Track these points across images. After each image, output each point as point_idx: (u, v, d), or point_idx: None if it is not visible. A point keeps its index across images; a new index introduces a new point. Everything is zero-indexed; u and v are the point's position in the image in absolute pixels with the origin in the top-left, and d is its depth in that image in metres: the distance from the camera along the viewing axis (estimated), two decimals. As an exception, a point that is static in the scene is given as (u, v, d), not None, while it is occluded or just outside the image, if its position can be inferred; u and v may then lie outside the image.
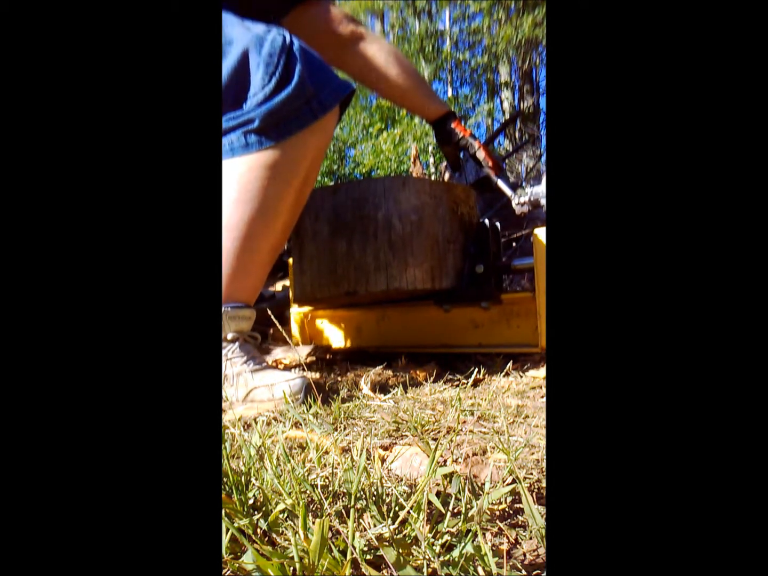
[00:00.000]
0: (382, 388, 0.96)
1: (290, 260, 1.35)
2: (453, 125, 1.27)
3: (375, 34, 1.19)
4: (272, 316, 0.64)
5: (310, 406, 0.77)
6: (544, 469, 0.49)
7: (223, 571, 0.33)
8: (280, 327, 0.63)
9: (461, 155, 1.31)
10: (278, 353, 1.42)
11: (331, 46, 1.14)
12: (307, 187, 0.94)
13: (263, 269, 0.93)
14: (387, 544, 0.34)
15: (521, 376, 1.04)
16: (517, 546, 0.37)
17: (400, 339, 1.41)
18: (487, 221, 1.21)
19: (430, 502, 0.38)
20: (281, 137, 0.85)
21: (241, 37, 0.82)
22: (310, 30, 1.11)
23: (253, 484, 0.43)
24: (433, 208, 1.16)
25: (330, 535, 0.36)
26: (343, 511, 0.39)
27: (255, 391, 0.85)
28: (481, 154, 1.26)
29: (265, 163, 0.85)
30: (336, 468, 0.47)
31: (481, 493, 0.43)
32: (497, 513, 0.42)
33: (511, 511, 0.42)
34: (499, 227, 1.23)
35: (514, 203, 1.31)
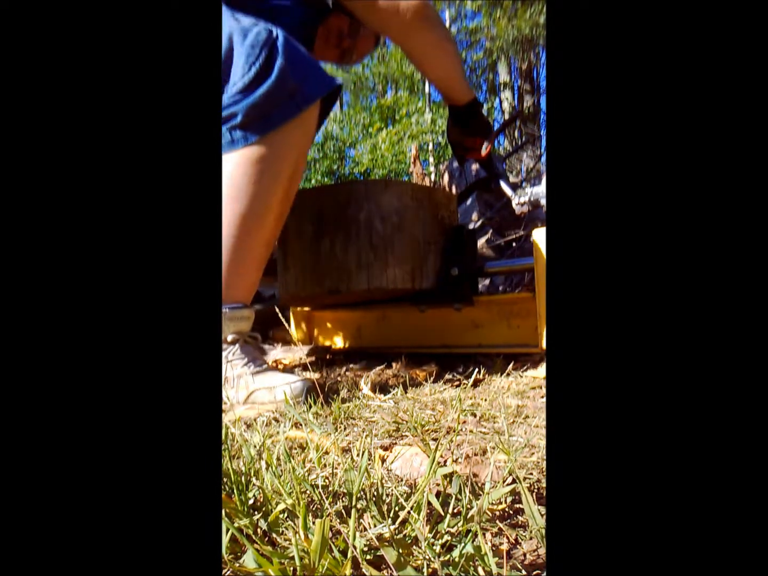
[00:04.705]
0: (382, 388, 0.96)
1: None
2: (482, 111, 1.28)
3: (434, 11, 1.16)
4: (280, 316, 0.64)
5: (311, 407, 0.77)
6: (544, 469, 0.49)
7: (223, 571, 0.33)
8: (287, 325, 0.63)
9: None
10: (278, 353, 1.42)
11: (395, 23, 1.10)
12: (295, 180, 0.94)
13: (258, 267, 0.93)
14: (387, 544, 0.34)
15: (521, 376, 1.04)
16: (517, 546, 0.37)
17: (400, 339, 1.41)
18: (466, 225, 1.23)
19: (430, 503, 0.38)
20: (265, 131, 0.85)
21: (228, 28, 0.83)
22: (374, 5, 1.08)
23: (254, 484, 0.43)
24: (414, 211, 1.17)
25: (330, 535, 0.36)
26: (344, 511, 0.39)
27: (256, 394, 0.85)
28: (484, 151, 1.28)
29: (251, 158, 0.85)
30: (336, 468, 0.47)
31: (481, 493, 0.43)
32: (497, 513, 0.42)
33: (511, 511, 0.42)
34: (475, 232, 1.25)
35: (514, 203, 1.31)
